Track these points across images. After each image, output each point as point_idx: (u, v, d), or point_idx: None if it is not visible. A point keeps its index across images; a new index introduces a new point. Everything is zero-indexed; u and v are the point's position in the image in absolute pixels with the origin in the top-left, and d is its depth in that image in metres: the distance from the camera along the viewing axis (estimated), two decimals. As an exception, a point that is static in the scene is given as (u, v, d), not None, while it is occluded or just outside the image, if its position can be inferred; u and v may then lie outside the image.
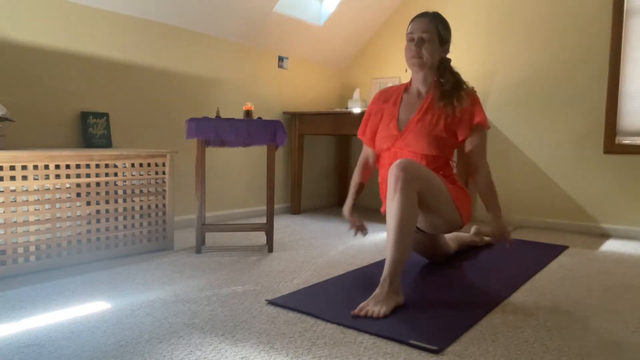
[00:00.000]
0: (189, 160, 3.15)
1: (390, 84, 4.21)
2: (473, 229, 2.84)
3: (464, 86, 2.01)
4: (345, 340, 1.45)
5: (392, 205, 1.73)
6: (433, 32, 1.96)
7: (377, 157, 2.17)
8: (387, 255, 1.70)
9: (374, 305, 1.63)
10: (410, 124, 2.02)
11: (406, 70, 2.12)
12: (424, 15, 2.01)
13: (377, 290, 1.69)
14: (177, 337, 1.45)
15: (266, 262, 2.37)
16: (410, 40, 1.99)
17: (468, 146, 2.01)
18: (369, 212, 3.84)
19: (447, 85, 1.99)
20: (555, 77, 3.45)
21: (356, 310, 1.62)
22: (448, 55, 2.08)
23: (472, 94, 2.01)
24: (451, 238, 2.50)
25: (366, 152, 2.25)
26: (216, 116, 2.57)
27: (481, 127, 1.98)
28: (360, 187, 2.25)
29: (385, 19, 4.26)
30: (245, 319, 1.60)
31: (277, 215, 3.79)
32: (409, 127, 2.02)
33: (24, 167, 2.04)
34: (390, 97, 2.15)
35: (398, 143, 2.03)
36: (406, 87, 2.15)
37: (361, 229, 2.21)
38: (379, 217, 3.78)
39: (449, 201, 1.93)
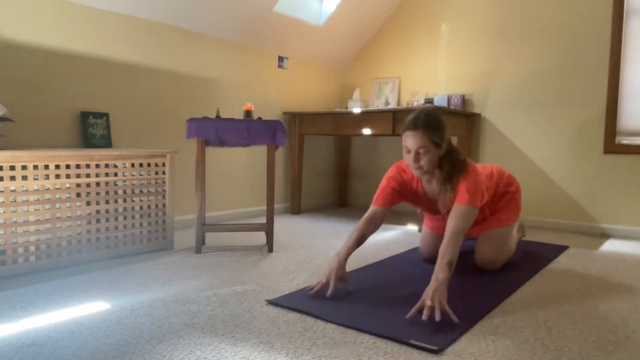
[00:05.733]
0: (189, 160, 3.15)
1: (390, 84, 4.22)
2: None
3: (458, 170, 1.98)
4: (345, 340, 1.45)
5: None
6: (428, 145, 1.89)
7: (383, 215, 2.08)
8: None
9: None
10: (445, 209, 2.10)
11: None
12: (415, 126, 1.89)
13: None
14: (177, 337, 1.45)
15: (266, 262, 2.37)
16: (407, 152, 1.94)
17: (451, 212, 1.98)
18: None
19: (442, 175, 2.00)
20: (555, 77, 3.45)
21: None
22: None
23: (465, 175, 1.96)
24: None
25: (375, 210, 2.07)
26: (216, 116, 2.57)
27: (462, 205, 1.92)
28: (361, 240, 2.00)
29: (385, 19, 4.26)
30: (245, 319, 1.60)
31: (277, 215, 3.79)
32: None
33: (24, 167, 2.04)
34: (408, 184, 2.15)
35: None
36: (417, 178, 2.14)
37: (332, 288, 1.85)
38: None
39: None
